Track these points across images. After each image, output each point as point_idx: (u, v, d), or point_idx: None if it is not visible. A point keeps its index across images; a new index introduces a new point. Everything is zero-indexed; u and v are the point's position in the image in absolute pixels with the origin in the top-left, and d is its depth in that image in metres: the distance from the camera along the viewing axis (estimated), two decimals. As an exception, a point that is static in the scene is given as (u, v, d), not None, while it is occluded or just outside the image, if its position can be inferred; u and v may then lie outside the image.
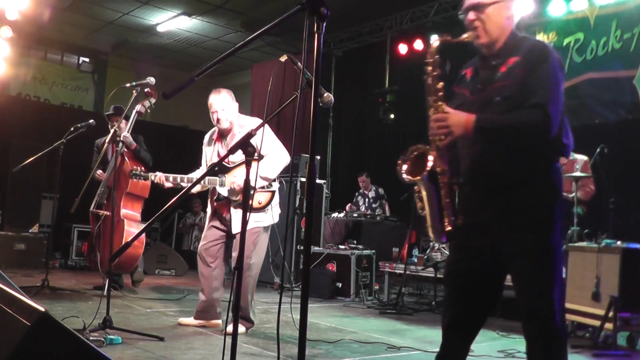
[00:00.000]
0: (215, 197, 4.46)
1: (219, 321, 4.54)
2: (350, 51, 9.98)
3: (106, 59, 12.71)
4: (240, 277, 2.27)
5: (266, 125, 3.95)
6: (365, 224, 8.16)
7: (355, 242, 7.41)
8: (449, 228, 2.39)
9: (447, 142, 2.35)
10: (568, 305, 4.90)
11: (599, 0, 6.88)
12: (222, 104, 4.53)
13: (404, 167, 2.40)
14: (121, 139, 4.70)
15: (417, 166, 2.38)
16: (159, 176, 4.39)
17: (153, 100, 5.04)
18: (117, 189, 5.58)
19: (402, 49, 8.93)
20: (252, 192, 4.22)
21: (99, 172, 5.83)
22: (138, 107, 4.96)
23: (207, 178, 4.35)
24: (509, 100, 2.32)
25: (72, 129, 5.93)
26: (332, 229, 8.26)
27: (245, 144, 2.23)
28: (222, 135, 4.63)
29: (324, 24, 1.76)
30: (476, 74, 2.50)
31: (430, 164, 2.35)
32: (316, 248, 7.34)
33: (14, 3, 7.87)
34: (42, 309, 1.57)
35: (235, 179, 4.31)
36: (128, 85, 4.52)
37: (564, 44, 7.34)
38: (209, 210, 4.61)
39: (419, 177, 2.36)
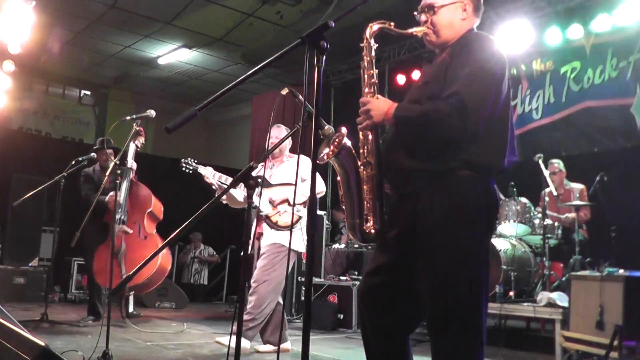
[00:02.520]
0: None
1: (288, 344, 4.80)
2: (349, 82, 10.05)
3: (107, 92, 12.81)
4: (243, 300, 2.25)
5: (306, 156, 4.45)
6: (366, 255, 8.11)
7: (356, 273, 7.36)
8: (372, 230, 2.23)
9: (366, 126, 2.24)
10: (572, 334, 4.86)
11: (595, 28, 6.95)
12: (280, 134, 4.97)
13: (326, 149, 2.27)
14: (129, 166, 5.13)
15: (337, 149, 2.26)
16: (208, 169, 4.82)
17: (142, 140, 5.45)
18: (137, 208, 5.80)
19: (400, 79, 9.01)
20: (284, 209, 4.70)
21: (111, 194, 5.79)
22: (134, 143, 5.30)
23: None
24: (426, 86, 2.24)
25: (73, 162, 5.96)
26: (333, 260, 8.23)
27: (246, 177, 2.24)
28: (272, 159, 5.00)
29: (324, 58, 1.79)
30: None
31: (345, 141, 2.23)
32: (317, 279, 7.30)
33: (17, 37, 7.96)
34: (42, 344, 1.56)
35: (272, 193, 4.72)
36: (128, 118, 4.55)
37: (561, 72, 7.41)
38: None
39: (332, 156, 2.23)
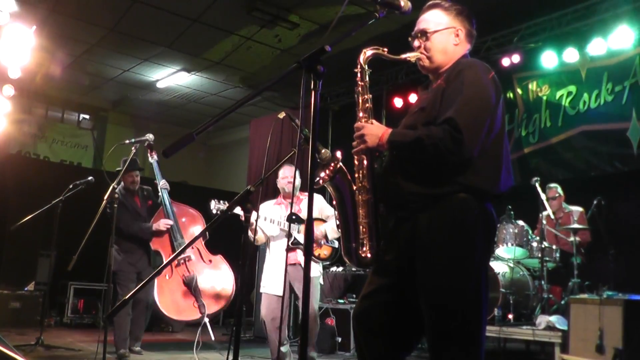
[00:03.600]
0: (291, 242, 4.86)
1: None
2: (346, 105, 10.10)
3: (106, 116, 12.85)
4: (240, 323, 2.24)
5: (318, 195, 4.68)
6: (364, 278, 8.08)
7: (354, 296, 7.33)
8: (369, 255, 2.24)
9: (359, 150, 2.26)
10: (571, 357, 4.83)
11: (590, 52, 7.01)
12: (290, 173, 5.05)
13: (322, 173, 2.28)
14: (162, 185, 5.22)
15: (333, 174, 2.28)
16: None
17: (155, 155, 5.52)
18: (188, 231, 5.66)
19: (398, 102, 9.06)
20: (322, 244, 4.96)
21: (164, 221, 5.62)
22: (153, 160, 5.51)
23: (285, 224, 4.87)
24: (422, 112, 2.28)
25: (71, 186, 5.96)
26: (331, 283, 8.19)
27: (243, 200, 2.25)
28: (284, 198, 5.11)
29: (321, 82, 1.80)
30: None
31: (340, 165, 2.25)
32: (315, 303, 7.25)
33: (17, 61, 8.02)
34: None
35: (318, 228, 4.90)
36: (127, 142, 4.58)
37: (557, 97, 7.45)
38: (270, 270, 4.86)
39: (327, 180, 2.26)
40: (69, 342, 6.33)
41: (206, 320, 5.21)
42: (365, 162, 2.29)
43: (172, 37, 8.56)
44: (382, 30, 7.29)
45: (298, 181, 5.08)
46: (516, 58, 7.50)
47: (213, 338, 5.23)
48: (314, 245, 4.87)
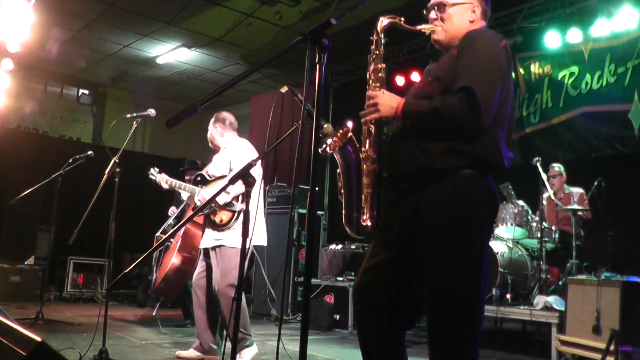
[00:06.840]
0: (193, 207, 4.68)
1: (217, 357, 4.47)
2: (347, 83, 10.06)
3: (105, 92, 12.79)
4: (239, 306, 2.24)
5: (252, 149, 4.57)
6: (363, 256, 8.11)
7: (353, 273, 7.36)
8: (368, 223, 2.21)
9: (371, 119, 2.24)
10: (568, 338, 4.86)
11: (594, 33, 6.95)
12: (209, 126, 4.99)
13: (329, 140, 2.23)
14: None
15: (342, 142, 2.25)
16: (160, 177, 4.96)
17: None
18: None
19: (399, 80, 9.01)
20: (215, 208, 4.34)
21: (172, 209, 6.35)
22: None
23: (190, 187, 4.66)
24: (437, 81, 2.25)
25: (70, 160, 5.95)
26: (329, 261, 8.22)
27: (245, 174, 2.24)
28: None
29: (326, 55, 1.78)
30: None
31: (349, 134, 2.22)
32: (314, 280, 7.30)
33: (16, 35, 7.96)
34: (39, 339, 1.56)
35: (205, 192, 4.52)
36: (128, 115, 4.56)
37: (559, 77, 7.41)
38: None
39: (337, 148, 2.22)
40: (69, 316, 6.37)
41: (152, 293, 5.38)
42: (373, 130, 2.27)
43: (173, 13, 8.47)
44: (386, 7, 7.22)
45: (210, 130, 4.99)
46: (519, 38, 7.46)
47: (154, 313, 5.76)
48: (211, 212, 4.36)
